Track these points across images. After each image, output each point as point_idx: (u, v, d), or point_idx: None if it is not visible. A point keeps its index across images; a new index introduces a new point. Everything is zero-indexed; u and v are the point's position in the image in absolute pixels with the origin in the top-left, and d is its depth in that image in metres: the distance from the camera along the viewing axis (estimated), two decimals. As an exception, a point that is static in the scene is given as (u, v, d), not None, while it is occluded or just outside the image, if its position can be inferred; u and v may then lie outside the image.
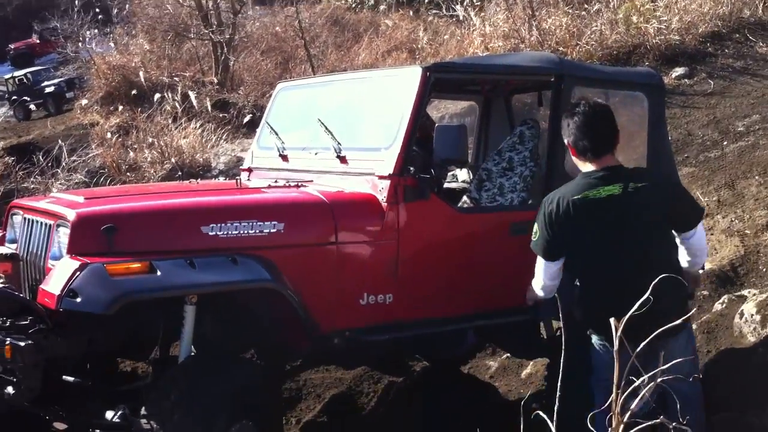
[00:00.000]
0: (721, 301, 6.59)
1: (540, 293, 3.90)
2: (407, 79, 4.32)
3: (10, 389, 3.51)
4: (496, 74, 4.72)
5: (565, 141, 3.87)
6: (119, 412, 3.58)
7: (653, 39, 11.43)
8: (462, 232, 4.34)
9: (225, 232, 3.63)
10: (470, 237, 4.37)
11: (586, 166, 3.74)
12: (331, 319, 3.93)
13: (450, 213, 4.33)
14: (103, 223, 3.36)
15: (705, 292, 6.80)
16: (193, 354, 3.67)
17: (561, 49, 11.83)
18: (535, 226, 3.78)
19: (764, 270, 7.13)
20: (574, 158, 3.84)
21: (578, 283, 3.79)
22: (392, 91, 4.46)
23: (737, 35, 11.75)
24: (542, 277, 3.83)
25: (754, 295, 6.48)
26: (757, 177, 8.22)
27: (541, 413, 2.15)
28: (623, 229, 3.66)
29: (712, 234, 7.75)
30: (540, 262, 3.82)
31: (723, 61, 11.18)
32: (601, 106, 3.85)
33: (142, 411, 3.34)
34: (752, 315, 5.95)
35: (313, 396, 5.31)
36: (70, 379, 3.87)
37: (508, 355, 5.99)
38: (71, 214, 3.44)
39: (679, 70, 10.97)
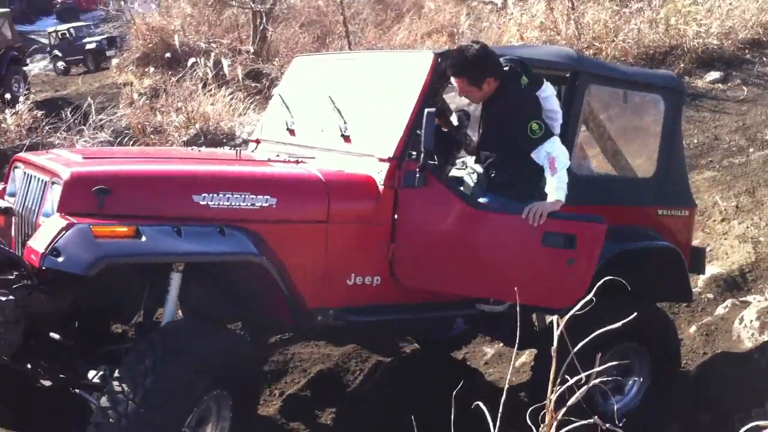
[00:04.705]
0: (724, 305, 6.61)
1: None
2: (418, 64, 4.29)
3: None
4: None
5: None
6: (100, 373, 3.63)
7: (691, 41, 11.24)
8: (468, 226, 4.17)
9: (216, 203, 3.63)
10: (474, 233, 4.19)
11: None
12: (317, 296, 3.94)
13: (456, 204, 4.17)
14: (96, 184, 3.38)
15: (710, 295, 6.79)
16: (173, 320, 3.70)
17: (597, 44, 11.69)
18: (537, 123, 4.17)
19: (773, 278, 7.06)
20: None
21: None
22: (403, 74, 4.42)
23: (777, 44, 11.55)
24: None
25: (759, 301, 6.46)
26: (779, 186, 8.14)
27: (480, 404, 2.14)
28: None
29: (725, 239, 7.71)
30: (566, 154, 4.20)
31: (760, 69, 10.98)
32: None
33: (116, 373, 3.36)
34: (752, 321, 5.99)
35: (299, 370, 5.34)
36: (56, 336, 3.93)
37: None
38: (65, 173, 3.46)
39: (714, 74, 10.79)
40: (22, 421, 4.41)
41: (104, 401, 3.28)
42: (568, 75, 4.68)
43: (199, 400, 3.51)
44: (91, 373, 3.67)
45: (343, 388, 5.23)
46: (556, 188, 4.14)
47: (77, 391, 3.75)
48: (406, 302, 4.25)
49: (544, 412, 2.08)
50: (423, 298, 4.28)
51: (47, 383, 4.16)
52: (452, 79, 4.28)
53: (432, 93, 4.28)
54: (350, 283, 4.05)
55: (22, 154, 4.16)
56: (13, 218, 3.83)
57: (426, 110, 3.95)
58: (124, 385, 3.27)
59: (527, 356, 5.93)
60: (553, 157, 4.16)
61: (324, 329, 4.11)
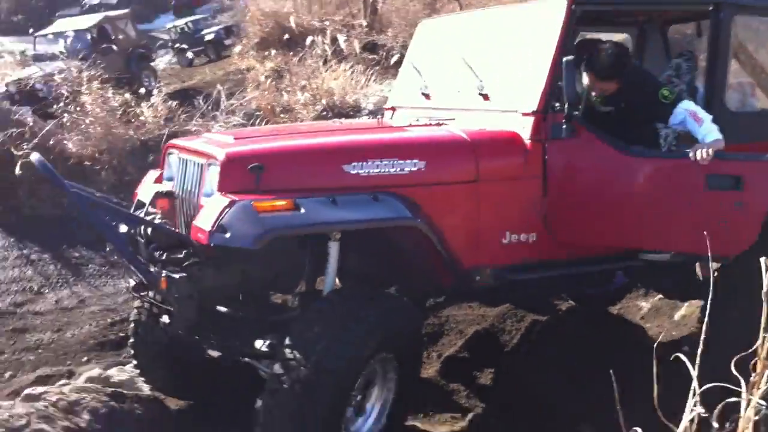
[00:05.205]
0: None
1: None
2: (551, 12, 4.18)
3: (165, 318, 3.73)
4: (648, 4, 4.48)
5: None
6: (267, 342, 3.73)
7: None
8: (624, 174, 4.13)
9: (366, 171, 3.67)
10: (630, 181, 4.13)
11: None
12: (473, 256, 3.93)
13: (609, 152, 4.11)
14: (251, 163, 3.46)
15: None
16: (337, 287, 3.76)
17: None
18: (667, 89, 4.25)
19: None
20: None
21: None
22: (536, 24, 4.33)
23: None
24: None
25: None
26: None
27: (681, 356, 2.07)
28: None
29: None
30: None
31: None
32: None
33: (286, 341, 3.45)
34: None
35: (455, 332, 5.36)
36: (223, 309, 4.08)
37: (661, 296, 5.81)
38: (221, 154, 3.57)
39: None
40: (192, 391, 4.63)
41: (277, 368, 3.39)
42: (710, 8, 4.47)
43: (367, 364, 3.58)
44: (259, 343, 3.77)
45: (500, 348, 5.22)
46: (708, 132, 4.10)
47: (247, 360, 3.88)
48: (564, 258, 4.18)
49: (755, 361, 1.99)
50: (581, 253, 4.20)
51: (215, 354, 4.32)
52: (591, 79, 4.31)
53: (568, 40, 4.18)
54: (505, 241, 4.02)
55: (175, 141, 4.31)
56: (175, 201, 3.98)
57: (564, 59, 3.86)
58: (295, 352, 3.36)
59: (686, 309, 5.74)
60: (694, 111, 4.16)
61: (481, 289, 4.10)
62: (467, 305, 5.51)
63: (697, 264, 4.99)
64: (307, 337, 3.41)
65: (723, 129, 4.24)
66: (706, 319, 2.25)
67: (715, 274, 4.96)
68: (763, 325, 2.00)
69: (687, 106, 4.21)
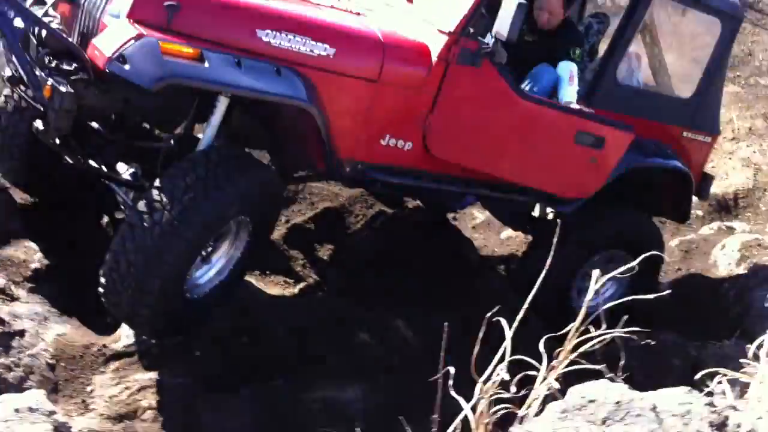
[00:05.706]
0: (710, 225, 6.82)
1: None
2: None
3: (39, 124, 3.67)
4: None
5: None
6: (131, 170, 3.76)
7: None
8: (509, 111, 4.40)
9: (278, 41, 3.66)
10: (514, 120, 4.44)
11: None
12: (351, 150, 4.07)
13: (503, 89, 4.32)
14: None
15: (699, 212, 6.98)
16: (213, 143, 3.81)
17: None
18: (580, 50, 4.72)
19: (764, 209, 7.27)
20: None
21: None
22: None
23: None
24: None
25: (743, 231, 6.68)
26: (797, 118, 8.21)
27: (502, 320, 2.30)
28: None
29: (729, 159, 7.80)
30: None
31: (815, -12, 10.64)
32: None
33: (156, 183, 3.50)
34: (732, 251, 6.20)
35: (307, 202, 5.56)
36: (94, 125, 4.04)
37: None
38: None
39: (767, -15, 10.44)
40: (42, 189, 4.62)
41: (141, 206, 3.46)
42: None
43: (226, 223, 3.74)
44: (122, 167, 3.80)
45: (345, 228, 5.48)
46: (570, 95, 4.55)
47: (106, 182, 3.91)
48: (430, 171, 4.41)
49: (560, 350, 2.29)
50: (447, 170, 4.44)
51: (70, 161, 4.28)
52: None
53: None
54: (384, 143, 4.17)
55: None
56: (77, 10, 3.81)
57: (519, 1, 3.93)
58: (163, 195, 3.44)
59: (513, 231, 6.24)
60: (574, 74, 4.57)
61: (346, 179, 4.30)
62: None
63: (537, 204, 5.44)
64: (178, 184, 3.47)
65: (606, 96, 4.69)
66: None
67: (550, 216, 5.47)
68: (577, 324, 2.28)
69: (575, 69, 4.59)
